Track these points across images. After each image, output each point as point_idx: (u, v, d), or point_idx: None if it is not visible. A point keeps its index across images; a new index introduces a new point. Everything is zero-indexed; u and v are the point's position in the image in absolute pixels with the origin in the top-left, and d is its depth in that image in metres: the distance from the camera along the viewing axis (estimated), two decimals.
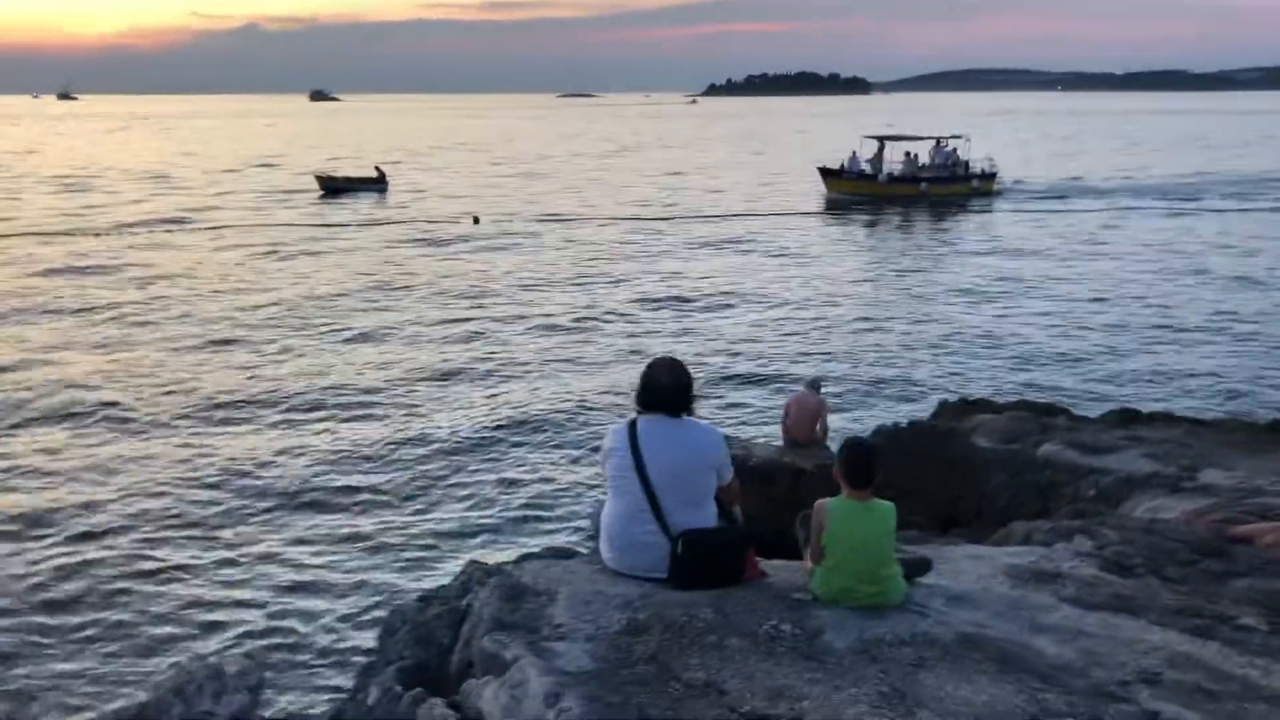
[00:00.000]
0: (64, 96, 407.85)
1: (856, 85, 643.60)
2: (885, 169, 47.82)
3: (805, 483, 11.56)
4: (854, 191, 46.81)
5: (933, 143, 49.02)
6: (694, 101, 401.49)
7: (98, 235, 34.29)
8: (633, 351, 18.73)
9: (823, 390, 13.31)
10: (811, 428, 12.77)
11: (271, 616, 8.97)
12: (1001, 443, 11.36)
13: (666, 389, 4.94)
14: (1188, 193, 50.44)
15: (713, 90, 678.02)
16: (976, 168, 48.88)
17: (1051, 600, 5.19)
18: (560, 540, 10.21)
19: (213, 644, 8.34)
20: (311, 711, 5.40)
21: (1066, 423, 12.14)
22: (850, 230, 38.72)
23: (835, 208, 44.47)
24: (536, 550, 5.61)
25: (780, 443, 12.84)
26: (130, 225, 36.98)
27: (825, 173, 48.22)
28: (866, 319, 22.68)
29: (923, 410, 14.95)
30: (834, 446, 12.57)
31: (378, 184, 50.58)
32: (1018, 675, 4.22)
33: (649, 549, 4.83)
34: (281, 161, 69.43)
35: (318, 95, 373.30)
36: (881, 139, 48.97)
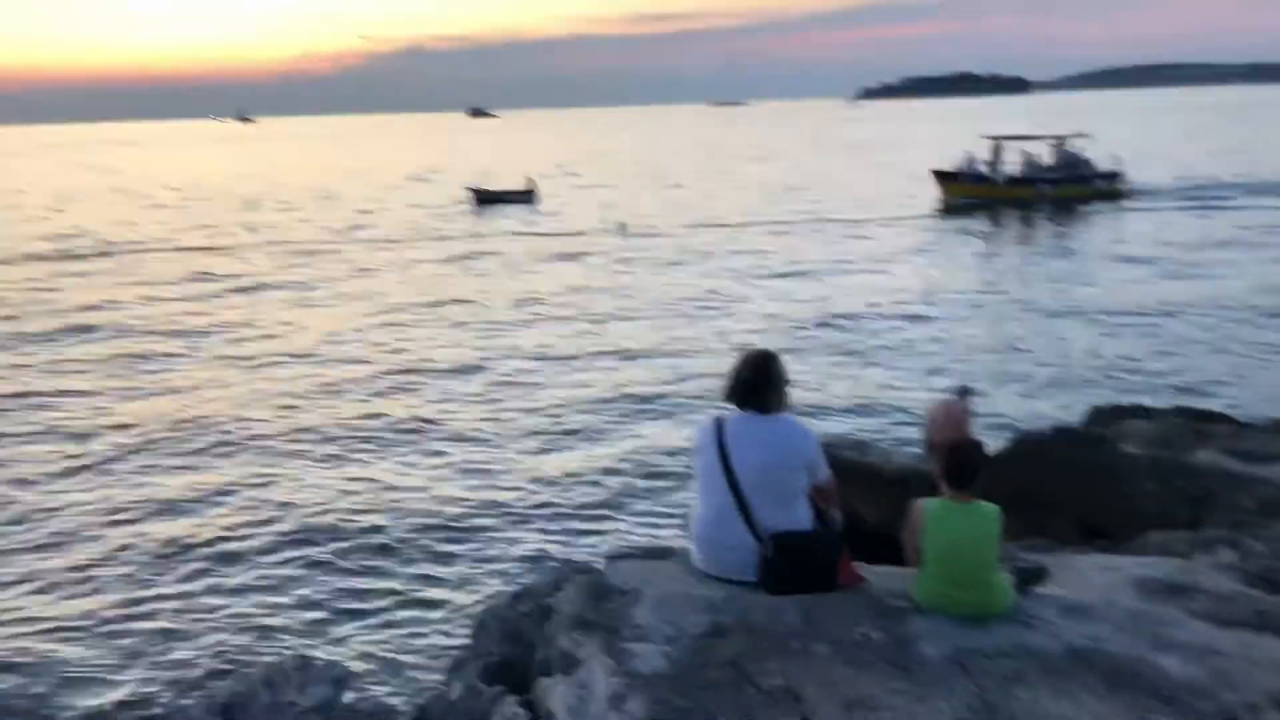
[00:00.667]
0: (242, 119, 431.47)
1: (1015, 85, 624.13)
2: (1004, 170, 45.41)
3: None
4: (971, 195, 44.36)
5: (1053, 142, 46.36)
6: (856, 104, 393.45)
7: (285, 250, 36.06)
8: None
9: (970, 398, 12.81)
10: (956, 434, 12.34)
11: (373, 614, 9.15)
12: (1152, 449, 10.69)
13: (746, 383, 4.75)
14: None
15: (868, 94, 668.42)
16: (1101, 167, 45.93)
17: (1182, 615, 4.78)
18: (664, 536, 10.08)
19: (312, 640, 8.54)
20: (399, 706, 5.41)
21: (1228, 430, 11.36)
22: (973, 235, 37.15)
23: (952, 212, 42.36)
24: (631, 549, 5.49)
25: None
26: (301, 242, 38.70)
27: (940, 175, 45.91)
28: (1005, 325, 21.77)
29: (1070, 417, 14.23)
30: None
31: (528, 195, 51.74)
32: (1131, 694, 3.88)
33: (737, 551, 4.65)
34: (439, 175, 71.61)
35: (476, 112, 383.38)
36: (997, 139, 46.30)
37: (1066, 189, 44.74)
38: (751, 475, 4.63)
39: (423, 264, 32.10)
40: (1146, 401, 14.46)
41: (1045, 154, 46.07)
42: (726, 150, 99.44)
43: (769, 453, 4.64)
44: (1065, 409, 15.39)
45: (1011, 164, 45.78)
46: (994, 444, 12.77)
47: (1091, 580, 5.42)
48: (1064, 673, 3.95)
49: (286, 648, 8.11)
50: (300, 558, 10.48)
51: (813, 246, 33.91)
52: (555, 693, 3.84)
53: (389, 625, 8.86)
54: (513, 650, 4.81)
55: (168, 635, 8.82)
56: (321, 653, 7.61)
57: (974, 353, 19.55)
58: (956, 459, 4.61)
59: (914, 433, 15.29)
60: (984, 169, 45.41)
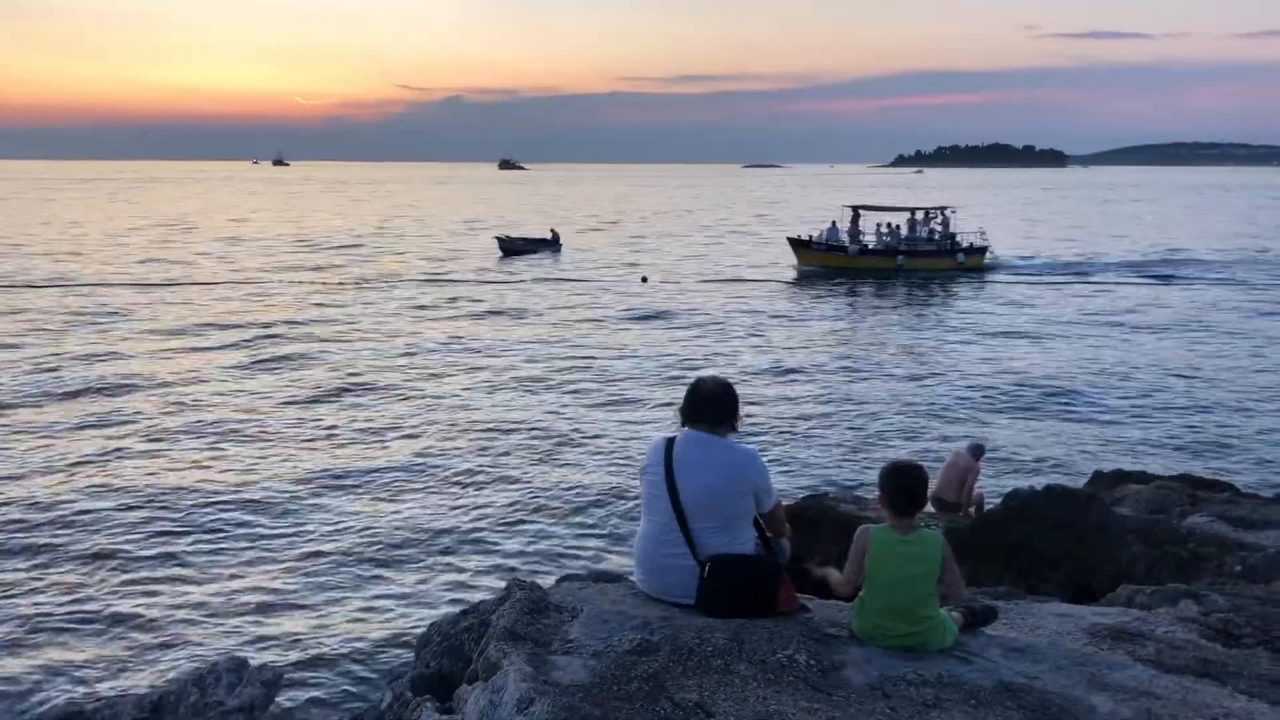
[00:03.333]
0: (278, 163, 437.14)
1: (1051, 157, 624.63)
2: (861, 240, 44.44)
3: None
4: (824, 264, 43.63)
5: (915, 214, 45.39)
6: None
7: (329, 288, 36.85)
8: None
9: (982, 457, 12.74)
10: (958, 490, 12.30)
11: (321, 626, 9.21)
12: (1145, 512, 10.59)
13: (710, 397, 4.76)
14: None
15: (900, 161, 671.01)
16: (965, 241, 44.85)
17: (1124, 659, 4.72)
18: (619, 561, 10.07)
19: (259, 647, 8.59)
20: (332, 714, 5.39)
21: (1225, 497, 11.23)
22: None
23: (806, 280, 41.47)
24: (581, 572, 5.49)
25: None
26: (308, 283, 39.21)
27: (795, 243, 45.28)
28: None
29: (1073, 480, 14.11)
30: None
31: (552, 244, 52.30)
32: None
33: (678, 573, 4.64)
34: (470, 225, 72.50)
35: (505, 164, 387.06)
36: (856, 208, 45.35)
37: (925, 261, 43.69)
38: (696, 497, 4.63)
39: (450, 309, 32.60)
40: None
41: (904, 225, 45.04)
42: (744, 205, 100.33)
43: (715, 475, 4.64)
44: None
45: (874, 234, 44.92)
46: (993, 501, 12.76)
47: (1044, 624, 5.36)
48: (986, 704, 3.91)
49: (225, 649, 8.12)
50: (260, 559, 10.64)
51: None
52: (469, 698, 3.84)
53: (342, 635, 8.86)
54: (450, 663, 4.81)
55: (105, 633, 8.89)
56: (273, 656, 7.62)
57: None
58: (897, 482, 4.56)
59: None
60: (845, 238, 44.51)
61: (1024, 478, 15.46)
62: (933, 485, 13.01)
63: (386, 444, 15.86)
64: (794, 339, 28.13)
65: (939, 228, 45.51)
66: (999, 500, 12.17)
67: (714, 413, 4.76)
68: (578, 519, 12.30)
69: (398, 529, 11.84)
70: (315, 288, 37.06)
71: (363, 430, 16.74)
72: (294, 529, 11.85)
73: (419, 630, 8.58)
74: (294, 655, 8.07)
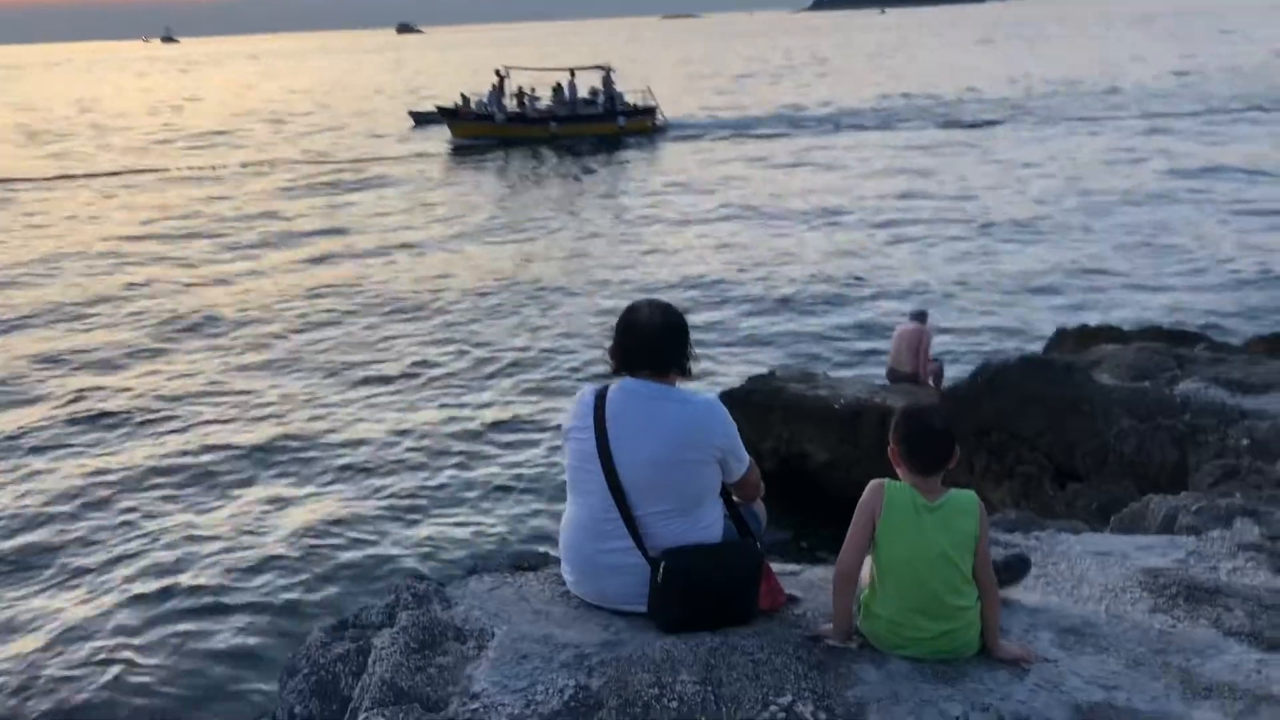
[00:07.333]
0: (167, 40, 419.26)
1: None
2: (507, 107, 40.22)
3: None
4: (476, 135, 39.63)
5: (566, 75, 40.72)
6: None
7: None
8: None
9: (928, 320, 11.70)
10: (914, 358, 11.30)
11: (165, 667, 7.44)
12: (1130, 380, 9.57)
13: (652, 330, 3.42)
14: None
15: (819, 5, 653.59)
16: (632, 102, 41.40)
17: (1212, 635, 3.60)
18: (543, 535, 8.75)
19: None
20: None
21: (1207, 354, 10.27)
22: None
23: (462, 152, 37.84)
24: (494, 559, 4.20)
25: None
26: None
27: (444, 113, 41.06)
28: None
29: (1034, 345, 13.12)
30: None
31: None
32: None
33: (621, 573, 3.38)
34: (377, 96, 68.60)
35: (404, 28, 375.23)
36: (501, 72, 40.82)
37: (583, 126, 40.16)
38: (640, 472, 3.33)
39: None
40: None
41: (565, 89, 40.85)
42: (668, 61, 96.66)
43: (665, 441, 3.34)
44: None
45: (544, 100, 40.99)
46: (952, 374, 11.73)
47: (1085, 575, 4.23)
48: None
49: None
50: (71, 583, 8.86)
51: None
52: None
53: (185, 680, 7.28)
54: (321, 708, 3.54)
55: None
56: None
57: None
58: (917, 432, 3.32)
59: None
60: (492, 106, 40.56)
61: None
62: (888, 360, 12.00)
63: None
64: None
65: (602, 90, 41.15)
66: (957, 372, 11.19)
67: (657, 353, 3.43)
68: (488, 492, 10.39)
69: (249, 531, 9.53)
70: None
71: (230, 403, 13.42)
72: (123, 538, 9.53)
73: (280, 642, 7.16)
74: (138, 701, 6.67)
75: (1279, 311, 15.76)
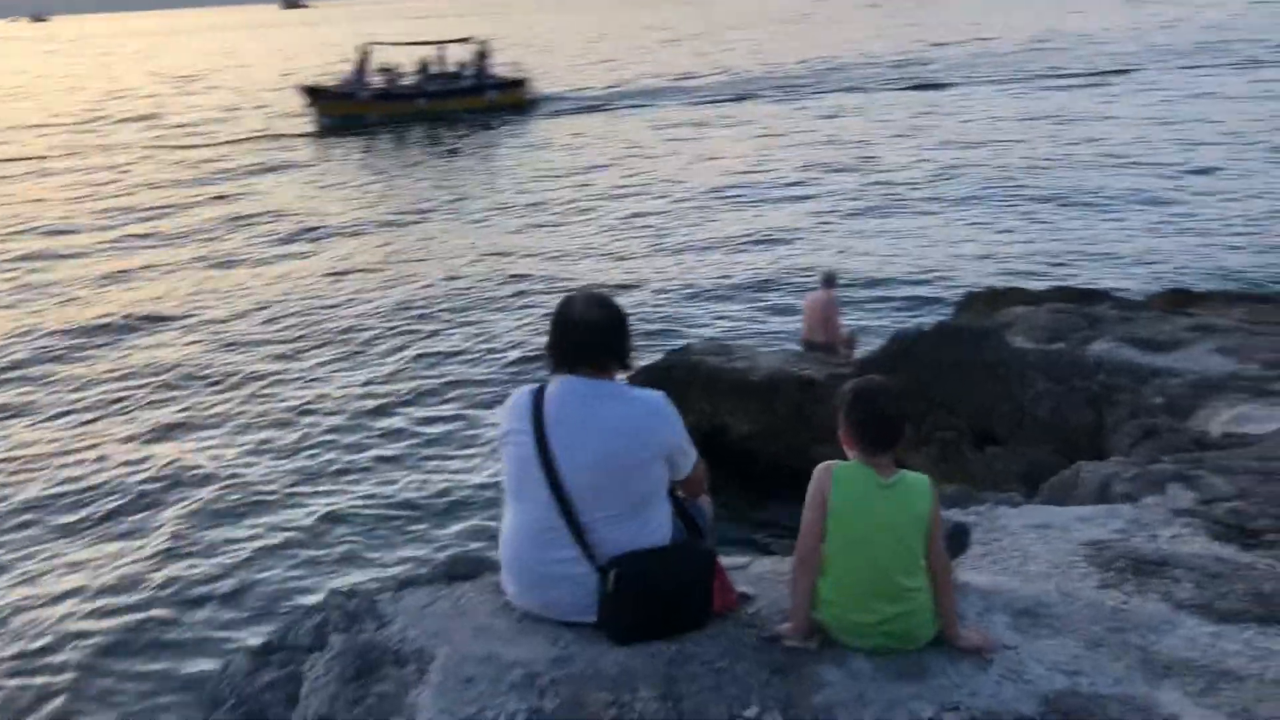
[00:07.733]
0: (37, 19, 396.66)
1: None
2: (369, 85, 38.69)
3: (816, 396, 9.99)
4: (343, 114, 38.01)
5: (431, 50, 39.52)
6: None
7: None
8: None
9: (835, 285, 11.71)
10: (824, 326, 11.30)
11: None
12: (1043, 342, 9.68)
13: (590, 326, 3.24)
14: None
15: None
16: (502, 75, 40.17)
17: (1164, 610, 3.57)
18: (477, 543, 8.49)
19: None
20: None
21: (1116, 313, 10.45)
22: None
23: (329, 133, 36.43)
24: (426, 569, 3.99)
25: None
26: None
27: (309, 92, 38.97)
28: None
29: (944, 311, 13.21)
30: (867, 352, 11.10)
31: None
32: None
33: (567, 584, 3.21)
34: (268, 71, 66.38)
35: (290, 4, 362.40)
36: (362, 49, 38.76)
37: (452, 101, 38.92)
38: (584, 475, 3.16)
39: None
40: None
41: (430, 62, 39.79)
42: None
43: (609, 441, 3.16)
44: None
45: (410, 76, 39.62)
46: (869, 346, 11.75)
47: (1031, 551, 4.19)
48: None
49: None
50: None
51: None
52: None
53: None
54: None
55: None
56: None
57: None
58: (868, 410, 3.21)
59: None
60: (354, 84, 39.15)
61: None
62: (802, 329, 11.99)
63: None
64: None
65: (471, 64, 39.89)
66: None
67: (596, 350, 3.25)
68: (416, 498, 9.89)
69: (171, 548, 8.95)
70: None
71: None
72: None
73: (204, 661, 6.77)
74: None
75: (1168, 261, 16.24)
